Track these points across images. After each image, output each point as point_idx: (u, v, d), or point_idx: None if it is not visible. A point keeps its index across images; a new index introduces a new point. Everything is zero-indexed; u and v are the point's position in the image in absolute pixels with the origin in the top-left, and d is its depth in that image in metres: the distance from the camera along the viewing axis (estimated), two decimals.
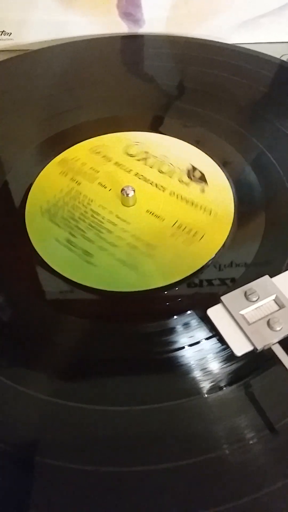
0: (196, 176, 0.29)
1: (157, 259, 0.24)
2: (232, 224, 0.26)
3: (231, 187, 0.28)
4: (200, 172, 0.29)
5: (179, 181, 0.29)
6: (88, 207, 0.27)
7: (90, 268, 0.24)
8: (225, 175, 0.29)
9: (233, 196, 0.28)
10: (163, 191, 0.28)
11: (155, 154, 0.31)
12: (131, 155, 0.31)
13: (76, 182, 0.29)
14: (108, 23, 0.42)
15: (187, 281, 0.24)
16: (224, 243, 0.25)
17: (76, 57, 0.41)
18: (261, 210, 0.27)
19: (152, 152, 0.31)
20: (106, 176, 0.29)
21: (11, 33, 0.43)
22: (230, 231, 0.26)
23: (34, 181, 0.29)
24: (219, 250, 0.25)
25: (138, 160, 0.30)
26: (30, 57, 0.41)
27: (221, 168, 0.29)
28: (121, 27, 0.43)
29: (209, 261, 0.24)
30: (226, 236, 0.25)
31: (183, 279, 0.24)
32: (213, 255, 0.24)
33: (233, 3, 0.41)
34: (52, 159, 0.30)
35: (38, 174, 0.30)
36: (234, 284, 0.23)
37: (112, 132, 0.32)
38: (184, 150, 0.31)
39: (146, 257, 0.25)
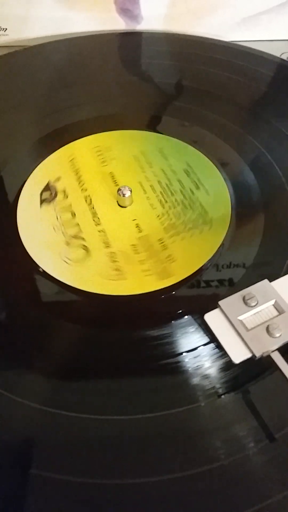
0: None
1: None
2: (229, 227, 0.25)
3: (228, 188, 0.28)
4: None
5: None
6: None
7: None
8: (223, 176, 0.28)
9: (231, 198, 0.27)
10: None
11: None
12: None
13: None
14: (105, 19, 0.42)
15: (183, 285, 0.23)
16: (221, 246, 0.25)
17: (72, 54, 0.40)
18: (259, 211, 0.27)
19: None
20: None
21: (6, 29, 0.42)
22: (226, 235, 0.25)
23: (29, 174, 0.29)
24: (215, 253, 0.24)
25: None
26: (26, 53, 0.40)
27: (218, 169, 0.29)
28: (119, 24, 0.42)
29: (198, 270, 0.24)
30: (218, 246, 0.25)
31: (177, 282, 0.23)
32: (205, 262, 0.24)
33: (233, 0, 0.40)
34: (47, 156, 0.30)
35: (33, 170, 0.29)
36: (232, 288, 0.23)
37: (112, 130, 0.32)
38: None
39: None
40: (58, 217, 0.26)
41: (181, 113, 0.34)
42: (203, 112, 0.34)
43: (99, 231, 0.25)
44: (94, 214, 0.26)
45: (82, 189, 0.28)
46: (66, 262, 0.24)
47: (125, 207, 0.27)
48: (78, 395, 0.20)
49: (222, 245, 0.25)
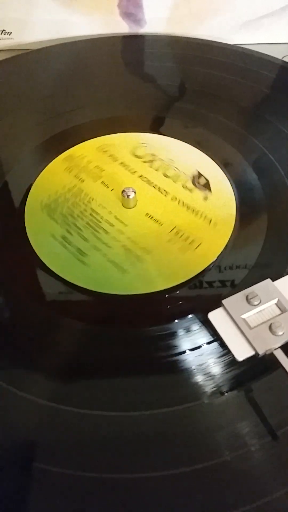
0: (201, 183, 0.28)
1: (149, 264, 0.24)
2: (234, 227, 0.26)
3: (233, 189, 0.28)
4: (206, 179, 0.29)
5: (183, 186, 0.28)
6: (88, 206, 0.27)
7: (82, 268, 0.24)
8: (227, 177, 0.29)
9: (235, 198, 0.27)
10: (166, 195, 0.28)
11: (161, 157, 0.30)
12: (138, 156, 0.30)
13: (80, 179, 0.29)
14: (109, 23, 0.42)
15: (180, 287, 0.23)
16: (226, 246, 0.25)
17: (76, 57, 0.41)
18: (263, 212, 0.27)
19: (159, 155, 0.30)
20: (110, 175, 0.29)
21: (11, 33, 0.42)
22: (230, 236, 0.25)
23: (36, 177, 0.29)
24: (219, 254, 0.25)
25: (144, 162, 0.30)
26: (31, 57, 0.41)
27: (222, 170, 0.29)
28: (122, 27, 0.43)
29: (202, 271, 0.24)
30: (223, 247, 0.25)
31: (175, 285, 0.23)
32: (206, 266, 0.24)
33: (235, 3, 0.40)
34: (53, 159, 0.30)
35: (40, 172, 0.29)
36: (235, 287, 0.23)
37: (116, 133, 0.32)
38: (191, 155, 0.30)
39: (139, 262, 0.24)
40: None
41: (184, 115, 0.34)
42: (206, 114, 0.34)
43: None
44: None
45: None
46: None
47: (129, 208, 0.27)
48: (82, 392, 0.20)
49: (226, 245, 0.25)
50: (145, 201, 0.27)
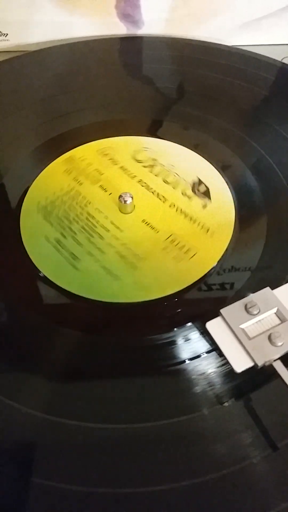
0: (201, 190, 0.28)
1: (143, 272, 0.24)
2: (232, 236, 0.25)
3: (232, 195, 0.28)
4: (206, 186, 0.28)
5: (182, 193, 0.28)
6: (84, 209, 0.27)
7: (74, 273, 0.24)
8: (226, 181, 0.28)
9: (234, 204, 0.27)
10: (164, 202, 0.27)
11: (162, 163, 0.30)
12: (138, 161, 0.30)
13: (78, 182, 0.29)
14: (106, 24, 0.42)
15: (175, 296, 0.23)
16: (225, 252, 0.24)
17: (73, 59, 0.40)
18: (262, 217, 0.27)
19: (159, 160, 0.30)
20: (109, 179, 0.29)
21: (7, 34, 0.42)
22: (229, 244, 0.25)
23: (35, 179, 0.29)
24: (219, 260, 0.24)
25: (145, 166, 0.30)
26: (27, 59, 0.40)
27: (221, 174, 0.29)
28: (120, 28, 0.42)
29: (198, 280, 0.23)
30: (220, 256, 0.24)
31: (169, 294, 0.23)
32: (201, 276, 0.23)
33: (234, 4, 0.40)
34: (51, 162, 0.30)
35: (38, 174, 0.29)
36: (235, 295, 0.23)
37: (117, 136, 0.32)
38: (192, 161, 0.30)
39: (132, 269, 0.24)
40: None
41: (182, 118, 0.34)
42: (204, 116, 0.34)
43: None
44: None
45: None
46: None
47: (126, 213, 0.27)
48: (79, 403, 0.19)
49: (225, 253, 0.25)
50: (142, 207, 0.27)
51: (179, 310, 0.23)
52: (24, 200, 0.27)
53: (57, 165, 0.30)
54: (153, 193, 0.28)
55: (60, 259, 0.24)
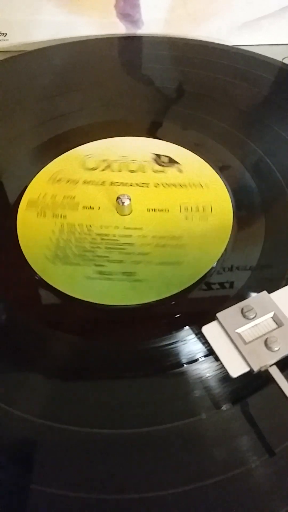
0: (165, 161, 0.29)
1: (188, 248, 0.24)
2: (230, 238, 0.25)
3: (229, 195, 0.27)
4: (166, 156, 0.29)
5: (154, 171, 0.28)
6: (92, 233, 0.25)
7: (141, 285, 0.23)
8: (224, 182, 0.28)
9: (232, 202, 0.27)
10: (148, 186, 0.28)
11: (114, 158, 0.30)
12: (92, 169, 0.29)
13: (60, 216, 0.26)
14: (105, 24, 0.42)
15: (183, 295, 0.23)
16: (222, 255, 0.24)
17: (72, 58, 0.40)
18: (260, 216, 0.26)
19: (110, 158, 0.30)
20: (84, 198, 0.27)
21: (6, 34, 0.42)
22: (227, 245, 0.25)
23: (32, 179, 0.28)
24: (216, 263, 0.24)
25: (103, 170, 0.29)
26: (26, 58, 0.40)
27: (219, 175, 0.29)
28: (119, 28, 0.42)
29: (194, 283, 0.23)
30: (216, 260, 0.24)
31: (178, 292, 0.23)
32: (206, 272, 0.24)
33: (233, 4, 0.40)
34: (48, 162, 0.30)
35: (36, 174, 0.29)
36: (232, 298, 0.23)
37: (117, 136, 0.31)
38: (139, 144, 0.31)
39: (179, 249, 0.24)
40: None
41: (181, 118, 0.33)
42: (203, 117, 0.33)
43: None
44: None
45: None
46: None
47: (130, 214, 0.26)
48: (76, 407, 0.19)
49: (221, 256, 0.24)
50: (135, 201, 0.26)
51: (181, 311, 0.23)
52: (28, 261, 0.24)
53: (26, 213, 0.27)
54: (131, 185, 0.28)
55: (117, 284, 0.23)
